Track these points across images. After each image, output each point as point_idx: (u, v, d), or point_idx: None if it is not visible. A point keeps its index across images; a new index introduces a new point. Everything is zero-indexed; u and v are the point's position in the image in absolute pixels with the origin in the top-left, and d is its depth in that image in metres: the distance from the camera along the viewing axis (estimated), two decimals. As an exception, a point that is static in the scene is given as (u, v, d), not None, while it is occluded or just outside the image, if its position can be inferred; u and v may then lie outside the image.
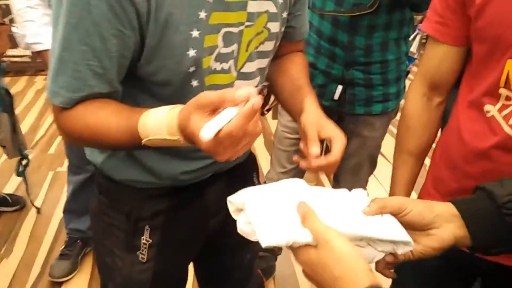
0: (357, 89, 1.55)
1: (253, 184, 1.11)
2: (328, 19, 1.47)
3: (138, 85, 0.77)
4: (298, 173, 1.79)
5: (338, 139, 0.82)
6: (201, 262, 1.17)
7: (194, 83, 0.77)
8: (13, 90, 3.99)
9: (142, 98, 0.79)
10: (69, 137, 0.78)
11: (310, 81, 1.54)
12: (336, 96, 1.57)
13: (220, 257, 1.12)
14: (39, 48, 1.70)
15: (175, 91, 0.77)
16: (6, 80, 3.90)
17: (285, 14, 0.87)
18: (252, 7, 0.78)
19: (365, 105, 1.59)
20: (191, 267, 1.10)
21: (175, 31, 0.69)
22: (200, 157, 0.89)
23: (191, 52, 0.72)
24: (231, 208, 0.66)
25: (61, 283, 1.93)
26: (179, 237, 0.94)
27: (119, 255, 0.93)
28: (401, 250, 0.64)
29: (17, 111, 3.37)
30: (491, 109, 0.85)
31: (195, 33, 0.71)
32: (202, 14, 0.70)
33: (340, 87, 1.56)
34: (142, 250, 0.92)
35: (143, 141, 0.67)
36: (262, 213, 0.60)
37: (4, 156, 2.62)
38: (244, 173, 1.07)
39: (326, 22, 1.48)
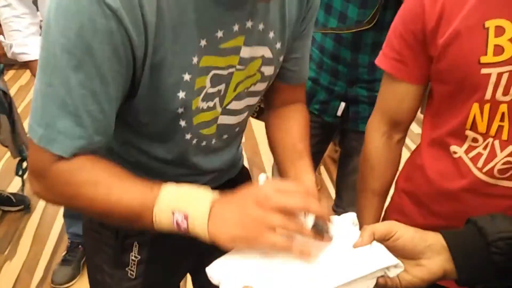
0: (361, 106, 1.56)
1: None
2: (331, 36, 1.46)
3: (124, 124, 0.77)
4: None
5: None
6: (197, 275, 1.19)
7: (182, 123, 0.77)
8: (17, 84, 4.10)
9: (128, 136, 0.80)
10: (59, 193, 0.70)
11: (312, 97, 1.58)
12: (339, 113, 1.59)
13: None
14: (25, 58, 1.72)
15: (162, 131, 0.79)
16: (10, 73, 3.97)
17: (281, 58, 0.86)
18: (245, 52, 0.77)
19: None
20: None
21: (168, 74, 0.69)
22: (189, 181, 0.90)
23: (181, 94, 0.72)
24: (209, 276, 0.67)
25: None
26: (168, 253, 0.94)
27: (108, 272, 0.96)
28: (392, 273, 0.66)
29: (22, 105, 3.44)
30: (458, 150, 0.86)
31: (186, 77, 0.71)
32: (195, 59, 0.70)
33: (343, 104, 1.57)
34: (131, 267, 0.95)
35: (156, 210, 0.66)
36: None
37: (8, 155, 2.68)
38: (236, 188, 1.08)
39: (329, 39, 1.47)
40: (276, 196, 0.65)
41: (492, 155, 0.82)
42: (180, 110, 0.75)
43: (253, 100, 0.88)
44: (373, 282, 0.66)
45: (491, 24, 0.75)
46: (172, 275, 1.04)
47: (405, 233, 0.69)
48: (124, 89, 0.68)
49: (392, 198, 1.05)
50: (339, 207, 1.92)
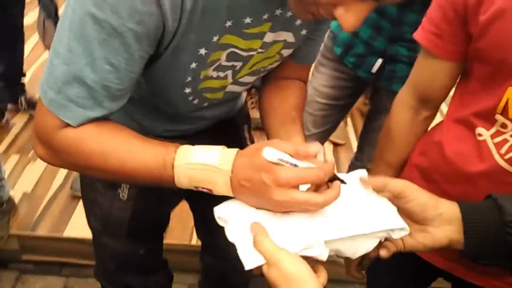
0: (398, 65, 1.52)
1: (242, 137, 1.15)
2: None
3: None
4: (323, 137, 1.83)
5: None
6: (194, 202, 1.27)
7: (188, 90, 0.78)
8: None
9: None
10: (64, 160, 0.71)
11: (350, 49, 1.55)
12: (374, 70, 1.55)
13: (210, 202, 1.21)
14: None
15: (165, 93, 0.80)
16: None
17: (300, 42, 0.85)
18: (269, 37, 0.77)
19: (403, 83, 1.58)
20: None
21: (184, 50, 0.69)
22: (186, 122, 0.95)
23: (193, 65, 0.72)
24: (216, 217, 0.69)
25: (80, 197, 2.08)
26: None
27: (101, 191, 1.01)
28: (396, 235, 0.68)
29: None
30: (484, 133, 0.84)
31: (202, 51, 0.71)
32: (215, 38, 0.70)
33: (380, 61, 1.53)
34: (123, 188, 1.00)
35: (176, 168, 0.66)
36: (242, 234, 0.63)
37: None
38: (233, 126, 1.11)
39: None
40: (296, 178, 0.63)
41: None
42: (189, 79, 0.75)
43: (263, 74, 0.89)
44: (376, 242, 0.68)
45: None
46: (164, 202, 1.10)
47: (418, 197, 0.70)
48: (144, 65, 0.68)
49: (403, 171, 1.05)
50: (358, 161, 1.94)
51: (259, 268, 0.61)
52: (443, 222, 0.69)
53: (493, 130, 0.83)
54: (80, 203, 2.04)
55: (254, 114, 2.50)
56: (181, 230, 1.95)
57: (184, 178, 0.67)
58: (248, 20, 0.70)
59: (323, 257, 0.63)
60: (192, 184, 0.67)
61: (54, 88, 0.64)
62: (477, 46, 0.80)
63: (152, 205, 1.04)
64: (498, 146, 0.82)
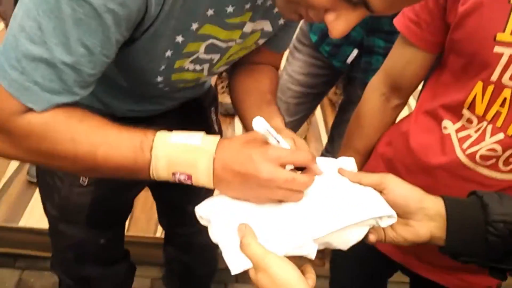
0: (374, 57, 1.53)
1: (209, 119, 1.14)
2: None
3: None
4: (296, 126, 1.83)
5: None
6: (157, 188, 1.25)
7: (159, 78, 0.76)
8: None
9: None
10: (25, 150, 0.64)
11: (326, 37, 1.54)
12: (349, 60, 1.56)
13: (173, 189, 1.17)
14: None
15: (136, 81, 0.78)
16: None
17: (277, 30, 0.85)
18: (248, 27, 0.76)
19: None
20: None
21: (162, 36, 0.67)
22: (150, 102, 0.93)
23: (168, 53, 0.70)
24: (198, 216, 0.68)
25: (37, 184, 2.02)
26: None
27: (60, 175, 0.98)
28: (384, 223, 0.68)
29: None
30: (450, 127, 0.86)
31: (179, 39, 0.69)
32: (194, 26, 0.68)
33: (355, 51, 1.54)
34: None
35: (155, 149, 0.63)
36: (228, 235, 0.62)
37: None
38: (200, 108, 1.10)
39: None
40: (286, 156, 0.64)
41: (480, 139, 0.82)
42: (162, 68, 0.73)
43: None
44: (366, 230, 0.68)
45: None
46: (127, 188, 1.07)
47: (399, 189, 0.71)
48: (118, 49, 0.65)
49: (369, 160, 1.07)
50: (329, 152, 1.95)
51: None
52: (426, 217, 0.70)
53: (458, 124, 0.85)
54: (37, 190, 1.98)
55: (224, 98, 2.48)
56: (145, 221, 1.92)
57: (162, 161, 0.63)
58: (230, 9, 0.69)
59: (312, 255, 0.64)
60: (170, 169, 0.64)
61: (16, 68, 0.58)
62: (453, 37, 0.82)
63: (114, 191, 1.02)
64: (461, 140, 0.85)
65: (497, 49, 0.75)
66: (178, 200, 1.22)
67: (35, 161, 0.68)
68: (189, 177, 0.64)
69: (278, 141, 0.64)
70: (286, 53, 1.75)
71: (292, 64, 1.69)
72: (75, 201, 1.00)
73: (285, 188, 0.62)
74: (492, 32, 0.75)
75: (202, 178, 0.64)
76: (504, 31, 0.73)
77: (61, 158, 0.64)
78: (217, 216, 0.65)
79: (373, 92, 1.01)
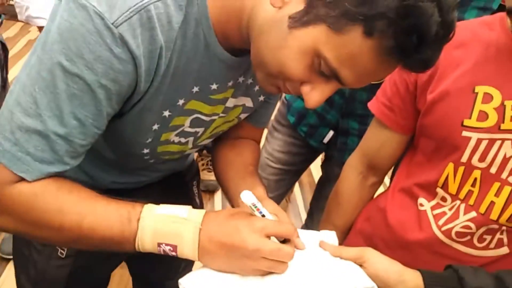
0: (350, 138, 1.60)
1: (190, 192, 1.14)
2: None
3: None
4: (277, 201, 1.84)
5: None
6: (135, 263, 1.21)
7: (146, 150, 0.79)
8: (4, 35, 4.03)
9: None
10: (13, 220, 0.64)
11: (303, 119, 1.62)
12: (326, 140, 1.63)
13: (152, 265, 1.15)
14: (41, 23, 1.70)
15: (122, 152, 0.81)
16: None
17: (258, 106, 0.90)
18: (231, 103, 0.81)
19: None
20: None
21: (150, 111, 0.70)
22: (134, 173, 0.94)
23: (155, 127, 0.73)
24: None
25: (9, 260, 1.95)
26: None
27: (37, 247, 0.95)
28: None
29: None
30: (425, 204, 0.90)
31: (166, 113, 0.72)
32: (181, 101, 0.72)
33: (331, 132, 1.61)
34: None
35: (142, 219, 0.64)
36: None
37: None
38: (182, 181, 1.11)
39: None
40: (271, 228, 0.66)
41: (454, 216, 0.86)
42: (149, 140, 0.76)
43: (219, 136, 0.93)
44: None
45: (480, 89, 0.79)
46: (105, 260, 1.05)
47: (379, 262, 0.73)
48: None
49: (348, 236, 1.09)
50: (309, 228, 1.96)
51: None
52: None
53: (433, 202, 0.89)
54: (8, 266, 1.92)
55: (204, 176, 2.51)
56: (119, 277, 1.85)
57: (148, 231, 0.64)
58: (214, 86, 0.73)
59: None
60: (155, 240, 0.64)
61: (10, 139, 0.61)
62: (424, 122, 0.88)
63: (92, 263, 0.99)
64: (437, 217, 0.88)
65: (465, 133, 0.80)
66: (157, 276, 1.19)
67: (20, 230, 0.66)
68: (174, 248, 0.65)
69: (263, 215, 0.67)
70: (265, 133, 1.82)
71: (272, 143, 1.75)
72: (52, 274, 0.97)
73: (271, 259, 0.64)
74: (459, 118, 0.81)
75: (187, 250, 0.64)
76: (470, 117, 0.80)
77: (47, 227, 0.64)
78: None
79: (351, 171, 1.05)
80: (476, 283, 0.70)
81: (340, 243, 1.07)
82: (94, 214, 0.64)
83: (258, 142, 1.02)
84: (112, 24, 0.57)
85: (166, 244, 0.65)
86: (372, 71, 0.59)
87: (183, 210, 0.66)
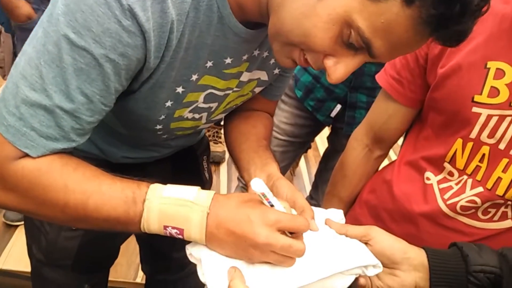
0: (358, 111, 1.59)
1: (200, 166, 1.14)
2: None
3: None
4: (282, 172, 1.84)
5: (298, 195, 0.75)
6: (141, 238, 1.24)
7: (159, 126, 0.77)
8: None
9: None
10: (17, 196, 0.62)
11: (310, 93, 1.61)
12: (333, 114, 1.63)
13: (160, 237, 1.18)
14: None
15: (134, 129, 0.79)
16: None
17: (273, 80, 0.87)
18: (245, 77, 0.79)
19: None
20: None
21: (163, 87, 0.68)
22: (146, 149, 0.94)
23: (168, 103, 0.72)
24: (188, 254, 0.68)
25: (16, 226, 1.98)
26: None
27: None
28: (370, 272, 0.69)
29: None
30: (432, 178, 0.90)
31: (179, 89, 0.70)
32: (194, 77, 0.70)
33: (338, 106, 1.60)
34: None
35: (147, 201, 0.62)
36: (217, 277, 0.62)
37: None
38: (193, 155, 1.11)
39: None
40: (286, 222, 0.63)
41: (461, 191, 0.86)
42: (162, 117, 0.74)
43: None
44: (352, 278, 0.69)
45: (492, 65, 0.78)
46: (114, 234, 1.03)
47: (385, 240, 0.73)
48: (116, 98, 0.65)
49: (353, 207, 1.10)
50: (313, 199, 1.98)
51: None
52: (411, 267, 0.72)
53: (440, 176, 0.89)
54: (16, 233, 1.94)
55: (212, 147, 2.52)
56: (126, 266, 1.88)
57: (154, 214, 0.62)
58: (228, 60, 0.71)
59: None
60: (161, 223, 0.62)
61: (14, 114, 0.59)
62: (433, 96, 0.87)
63: (102, 235, 0.98)
64: (443, 191, 0.88)
65: (475, 109, 0.80)
66: (165, 247, 1.21)
67: (24, 208, 0.64)
68: (181, 231, 0.63)
69: (273, 205, 0.64)
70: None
71: (278, 115, 1.75)
72: (62, 245, 0.98)
73: (280, 254, 0.61)
74: (470, 93, 0.80)
75: (194, 234, 0.62)
76: (481, 93, 0.79)
77: (51, 205, 0.62)
78: (207, 257, 0.65)
79: (357, 143, 1.05)
80: (480, 260, 0.70)
81: (345, 214, 1.08)
82: (99, 193, 0.62)
83: (272, 115, 1.00)
84: None
85: (173, 227, 0.63)
86: (405, 42, 0.56)
87: (191, 193, 0.63)
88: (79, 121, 0.61)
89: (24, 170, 0.61)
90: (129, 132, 0.85)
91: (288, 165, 1.87)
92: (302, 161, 2.83)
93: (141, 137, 0.87)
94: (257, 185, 0.62)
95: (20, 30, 1.79)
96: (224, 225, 0.61)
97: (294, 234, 0.65)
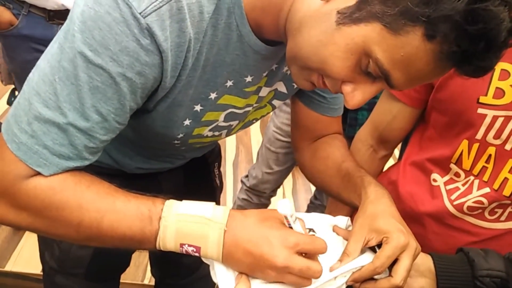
0: (360, 113, 1.59)
1: (211, 174, 1.12)
2: None
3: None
4: (286, 174, 1.86)
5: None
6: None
7: (176, 142, 0.75)
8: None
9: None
10: (29, 215, 0.60)
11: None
12: None
13: None
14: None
15: (152, 143, 0.78)
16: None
17: (292, 93, 0.83)
18: (264, 91, 0.76)
19: None
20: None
21: (179, 105, 0.66)
22: (160, 160, 0.92)
23: (187, 122, 0.70)
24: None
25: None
26: None
27: None
28: (377, 276, 0.67)
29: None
30: (438, 180, 0.90)
31: (197, 108, 0.68)
32: (213, 95, 0.68)
33: None
34: None
35: (164, 219, 0.60)
36: (227, 279, 0.62)
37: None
38: (205, 164, 1.09)
39: None
40: (306, 244, 0.60)
41: (467, 192, 0.86)
42: (180, 135, 0.73)
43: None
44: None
45: (497, 66, 0.76)
46: None
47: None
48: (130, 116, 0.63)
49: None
50: (317, 200, 1.98)
51: None
52: (418, 273, 0.72)
53: (447, 177, 0.89)
54: (25, 235, 1.94)
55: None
56: (134, 268, 1.89)
57: (171, 232, 0.60)
58: (249, 78, 0.69)
59: None
60: (178, 241, 0.60)
61: (27, 131, 0.57)
62: (437, 97, 0.86)
63: None
64: (450, 192, 0.88)
65: (481, 110, 0.79)
66: (174, 253, 1.20)
67: (36, 228, 0.62)
68: (198, 249, 0.60)
69: (291, 227, 0.62)
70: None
71: (280, 117, 1.75)
72: (76, 254, 0.96)
73: (297, 276, 0.59)
74: (475, 95, 0.79)
75: (211, 251, 0.60)
76: (486, 94, 0.78)
77: (65, 225, 0.60)
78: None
79: (361, 144, 1.04)
80: (486, 265, 0.70)
81: (351, 216, 1.08)
82: (114, 211, 0.60)
83: (341, 133, 0.93)
84: (140, 13, 0.53)
85: (189, 245, 0.61)
86: (425, 74, 0.54)
87: (207, 210, 0.61)
88: (93, 140, 0.59)
89: (36, 189, 0.59)
90: (146, 145, 0.84)
91: (291, 166, 1.86)
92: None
93: (158, 150, 0.85)
94: (284, 207, 0.59)
95: (3, 37, 1.77)
96: (242, 245, 0.59)
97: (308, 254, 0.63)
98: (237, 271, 0.63)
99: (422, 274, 0.72)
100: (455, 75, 0.80)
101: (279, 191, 2.00)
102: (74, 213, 0.59)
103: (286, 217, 0.61)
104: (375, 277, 0.69)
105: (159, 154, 0.89)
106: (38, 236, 1.04)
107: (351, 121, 1.60)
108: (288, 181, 2.60)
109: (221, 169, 1.13)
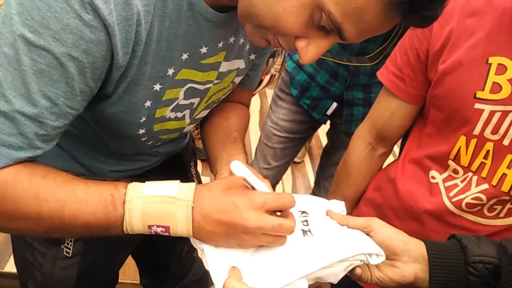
0: (355, 108, 1.57)
1: (189, 173, 1.12)
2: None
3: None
4: (283, 169, 1.84)
5: None
6: (138, 255, 1.21)
7: (141, 131, 0.73)
8: None
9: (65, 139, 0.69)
10: None
11: (305, 92, 1.59)
12: (329, 112, 1.61)
13: (156, 253, 1.14)
14: None
15: (117, 136, 0.75)
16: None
17: (249, 67, 0.84)
18: (224, 67, 0.75)
19: None
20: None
21: (139, 86, 0.64)
22: (133, 159, 0.89)
23: (147, 103, 0.68)
24: (192, 242, 0.66)
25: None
26: None
27: (40, 250, 0.88)
28: (374, 261, 0.69)
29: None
30: (437, 177, 0.88)
31: (156, 87, 0.66)
32: (170, 71, 0.66)
33: (334, 105, 1.59)
34: (67, 244, 0.88)
35: (128, 203, 0.59)
36: (220, 268, 0.61)
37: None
38: (180, 163, 1.07)
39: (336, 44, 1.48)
40: (273, 202, 0.61)
41: (466, 188, 0.84)
42: (143, 119, 0.71)
43: (216, 105, 0.87)
44: (355, 264, 0.69)
45: (494, 60, 0.76)
46: (112, 255, 1.00)
47: (385, 231, 0.72)
48: (87, 102, 0.61)
49: (358, 205, 1.08)
50: (316, 195, 1.96)
51: None
52: (411, 259, 0.72)
53: (445, 174, 0.87)
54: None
55: (200, 144, 2.50)
56: (134, 268, 1.83)
57: (137, 215, 0.59)
58: (204, 49, 0.68)
59: None
60: (146, 223, 0.59)
61: None
62: (434, 93, 0.85)
63: (102, 259, 0.95)
64: (448, 189, 0.87)
65: (478, 105, 0.78)
66: (161, 260, 1.18)
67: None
68: (167, 229, 0.60)
69: (254, 188, 0.62)
70: (269, 102, 1.80)
71: (276, 112, 1.73)
72: (60, 276, 0.91)
73: (271, 235, 0.61)
74: (472, 90, 0.78)
75: (181, 229, 0.60)
76: (483, 89, 0.77)
77: (23, 218, 0.58)
78: (209, 247, 0.64)
79: (359, 142, 1.03)
80: (479, 251, 0.70)
81: (350, 213, 1.06)
82: (75, 199, 0.58)
83: (248, 106, 0.97)
84: None
85: (158, 226, 0.60)
86: (375, 26, 0.55)
87: (172, 188, 0.61)
88: (44, 127, 0.56)
89: None
90: (113, 142, 0.81)
91: (289, 161, 1.85)
92: (307, 159, 2.82)
93: (126, 146, 0.82)
94: (238, 169, 0.60)
95: None
96: (212, 216, 0.60)
97: (282, 212, 0.63)
98: (213, 245, 0.63)
99: (415, 260, 0.72)
100: (451, 71, 0.79)
101: (279, 188, 1.98)
102: (31, 205, 0.57)
103: (244, 179, 0.61)
104: (370, 262, 0.69)
105: (129, 152, 0.86)
106: (17, 267, 0.98)
107: (347, 117, 1.59)
108: (287, 179, 2.59)
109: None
